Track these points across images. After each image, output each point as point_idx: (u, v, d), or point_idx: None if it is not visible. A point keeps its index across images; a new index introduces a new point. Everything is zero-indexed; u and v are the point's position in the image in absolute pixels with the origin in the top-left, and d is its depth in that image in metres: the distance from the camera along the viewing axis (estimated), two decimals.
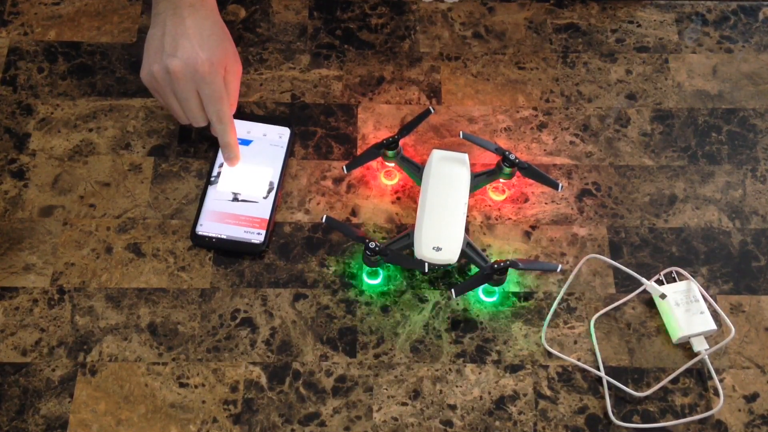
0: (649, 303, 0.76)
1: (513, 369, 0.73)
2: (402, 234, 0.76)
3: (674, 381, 0.72)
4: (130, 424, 0.70)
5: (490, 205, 0.80)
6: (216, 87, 0.75)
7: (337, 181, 0.81)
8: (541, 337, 0.74)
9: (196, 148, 0.82)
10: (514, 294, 0.76)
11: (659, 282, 0.76)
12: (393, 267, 0.76)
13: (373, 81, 0.86)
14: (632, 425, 0.70)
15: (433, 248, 0.72)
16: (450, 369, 0.72)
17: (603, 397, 0.71)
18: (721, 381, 0.72)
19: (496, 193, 0.80)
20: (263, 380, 0.72)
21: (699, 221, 0.79)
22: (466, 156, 0.77)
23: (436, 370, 0.72)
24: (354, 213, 0.79)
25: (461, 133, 0.77)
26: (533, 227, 0.79)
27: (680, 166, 0.82)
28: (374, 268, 0.75)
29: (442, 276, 0.76)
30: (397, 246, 0.74)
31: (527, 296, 0.76)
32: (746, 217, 0.80)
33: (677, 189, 0.81)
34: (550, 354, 0.73)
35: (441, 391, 0.72)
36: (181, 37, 0.74)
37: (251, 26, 0.89)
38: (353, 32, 0.89)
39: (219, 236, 0.77)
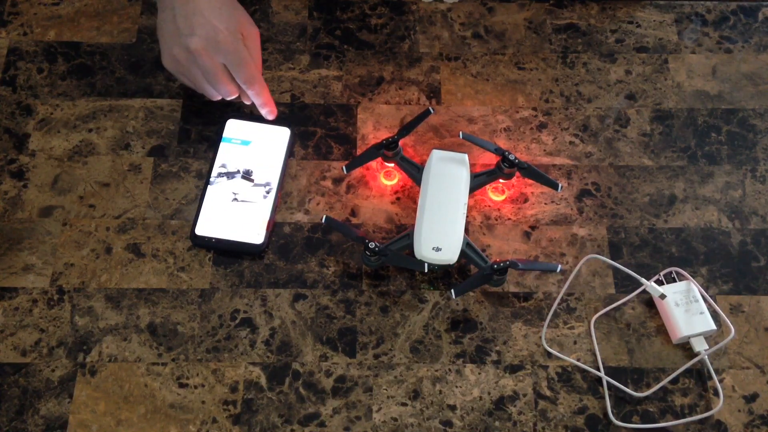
0: (649, 303, 0.76)
1: (513, 369, 0.73)
2: (402, 234, 0.76)
3: (674, 381, 0.72)
4: (130, 424, 0.70)
5: (489, 206, 0.80)
6: (240, 54, 0.76)
7: (337, 181, 0.81)
8: (540, 338, 0.74)
9: (196, 149, 0.82)
10: (514, 294, 0.76)
11: (659, 282, 0.76)
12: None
13: (373, 81, 0.86)
14: (632, 425, 0.70)
15: (433, 248, 0.72)
16: (450, 369, 0.72)
17: (603, 398, 0.71)
18: (720, 381, 0.72)
19: (495, 194, 0.80)
20: (263, 380, 0.72)
21: (699, 221, 0.79)
22: (465, 156, 0.77)
23: (436, 371, 0.72)
24: (354, 213, 0.79)
25: (461, 133, 0.77)
26: (533, 227, 0.79)
27: (680, 166, 0.82)
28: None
29: (442, 276, 0.76)
30: (396, 246, 0.74)
31: (527, 296, 0.76)
32: (746, 218, 0.80)
33: (677, 189, 0.81)
34: (549, 354, 0.73)
35: (441, 392, 0.72)
36: (194, 15, 0.75)
37: None
38: (353, 32, 0.89)
39: (219, 237, 0.77)
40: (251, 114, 0.84)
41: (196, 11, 0.75)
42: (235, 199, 0.78)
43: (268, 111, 0.81)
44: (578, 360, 0.73)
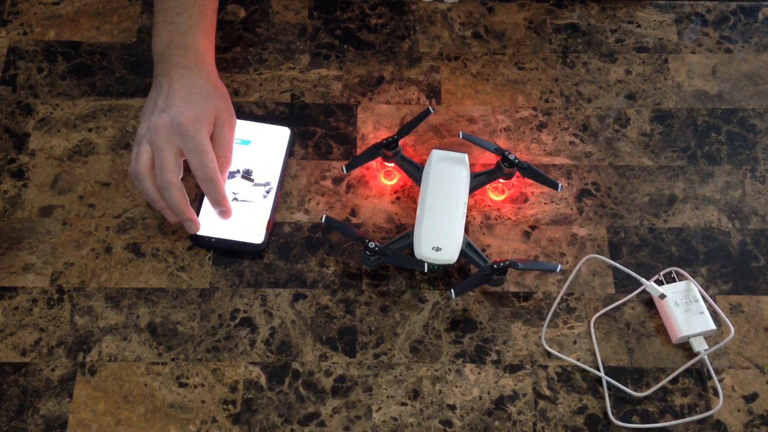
0: (649, 303, 0.76)
1: (512, 369, 0.73)
2: (402, 234, 0.76)
3: (674, 381, 0.72)
4: (130, 424, 0.70)
5: (489, 205, 0.80)
6: (198, 140, 0.73)
7: (337, 181, 0.81)
8: (540, 337, 0.74)
9: None
10: (514, 294, 0.76)
11: (659, 282, 0.76)
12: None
13: (373, 81, 0.86)
14: (632, 425, 0.70)
15: (433, 248, 0.72)
16: (449, 369, 0.72)
17: (602, 397, 0.71)
18: (720, 381, 0.72)
19: (495, 193, 0.80)
20: (263, 380, 0.72)
21: (698, 221, 0.79)
22: (465, 156, 0.77)
23: (436, 370, 0.72)
24: (353, 213, 0.79)
25: (461, 133, 0.77)
26: (533, 227, 0.79)
27: (680, 166, 0.82)
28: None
29: (442, 276, 0.76)
30: (396, 246, 0.74)
31: (527, 296, 0.76)
32: (746, 218, 0.80)
33: (677, 189, 0.81)
34: (549, 354, 0.73)
35: (440, 391, 0.72)
36: (171, 96, 0.75)
37: (251, 26, 0.89)
38: (353, 32, 0.89)
39: (218, 236, 0.77)
40: (251, 114, 0.84)
41: (174, 93, 0.75)
42: (235, 199, 0.78)
43: (221, 211, 0.76)
44: (578, 360, 0.73)
